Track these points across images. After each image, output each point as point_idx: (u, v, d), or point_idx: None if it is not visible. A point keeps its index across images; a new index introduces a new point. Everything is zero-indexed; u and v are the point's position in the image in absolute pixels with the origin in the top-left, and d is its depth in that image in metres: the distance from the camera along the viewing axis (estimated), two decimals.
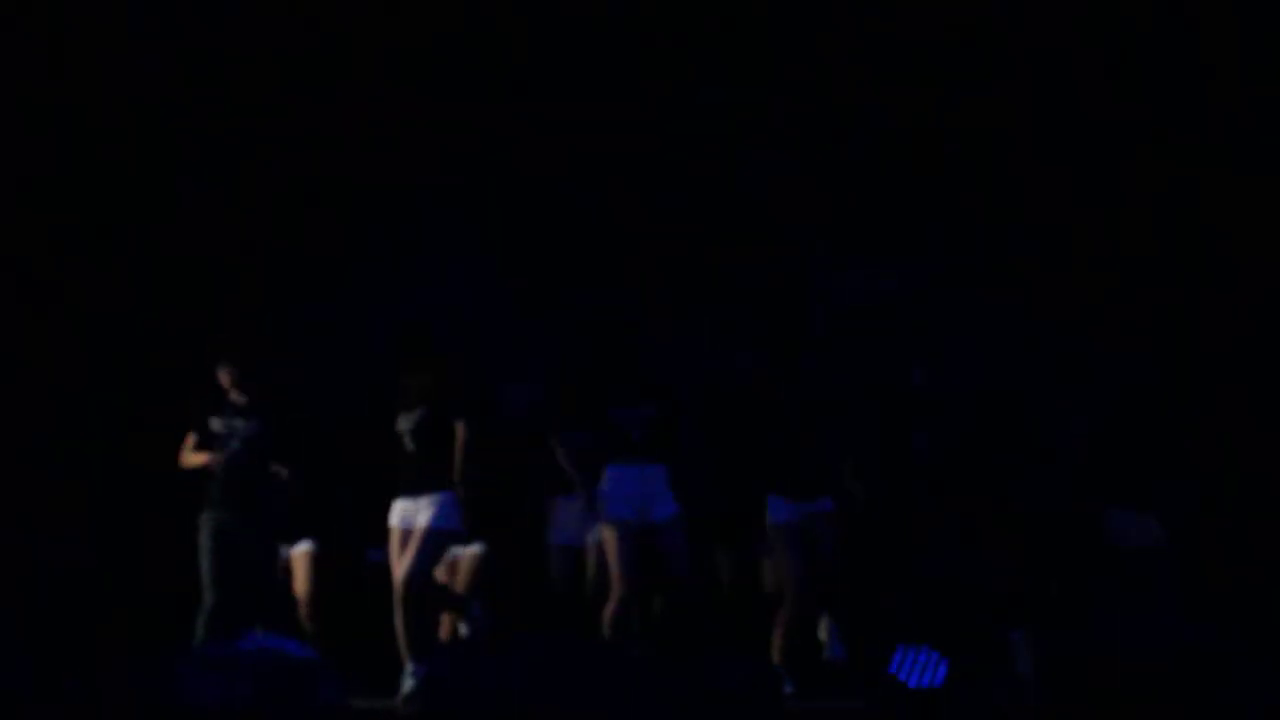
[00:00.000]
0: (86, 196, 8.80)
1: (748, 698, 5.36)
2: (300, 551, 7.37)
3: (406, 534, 6.45)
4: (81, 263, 8.76)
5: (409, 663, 6.33)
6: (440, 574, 6.82)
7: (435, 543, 6.44)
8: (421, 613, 6.41)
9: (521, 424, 7.89)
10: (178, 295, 9.23)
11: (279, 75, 9.59)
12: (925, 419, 8.39)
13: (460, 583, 7.06)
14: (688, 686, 1.39)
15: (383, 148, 9.61)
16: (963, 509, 8.16)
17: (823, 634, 7.13)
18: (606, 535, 6.73)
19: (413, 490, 6.47)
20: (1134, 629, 5.60)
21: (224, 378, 6.87)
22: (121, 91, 8.83)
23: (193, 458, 6.85)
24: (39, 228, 8.43)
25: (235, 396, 6.88)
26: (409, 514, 6.47)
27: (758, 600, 7.52)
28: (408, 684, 6.25)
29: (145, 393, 8.51)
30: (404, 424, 6.50)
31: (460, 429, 6.42)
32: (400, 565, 6.43)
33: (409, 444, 6.49)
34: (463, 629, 6.72)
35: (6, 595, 7.46)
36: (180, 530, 6.94)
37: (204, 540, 6.71)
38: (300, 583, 7.31)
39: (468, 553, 7.07)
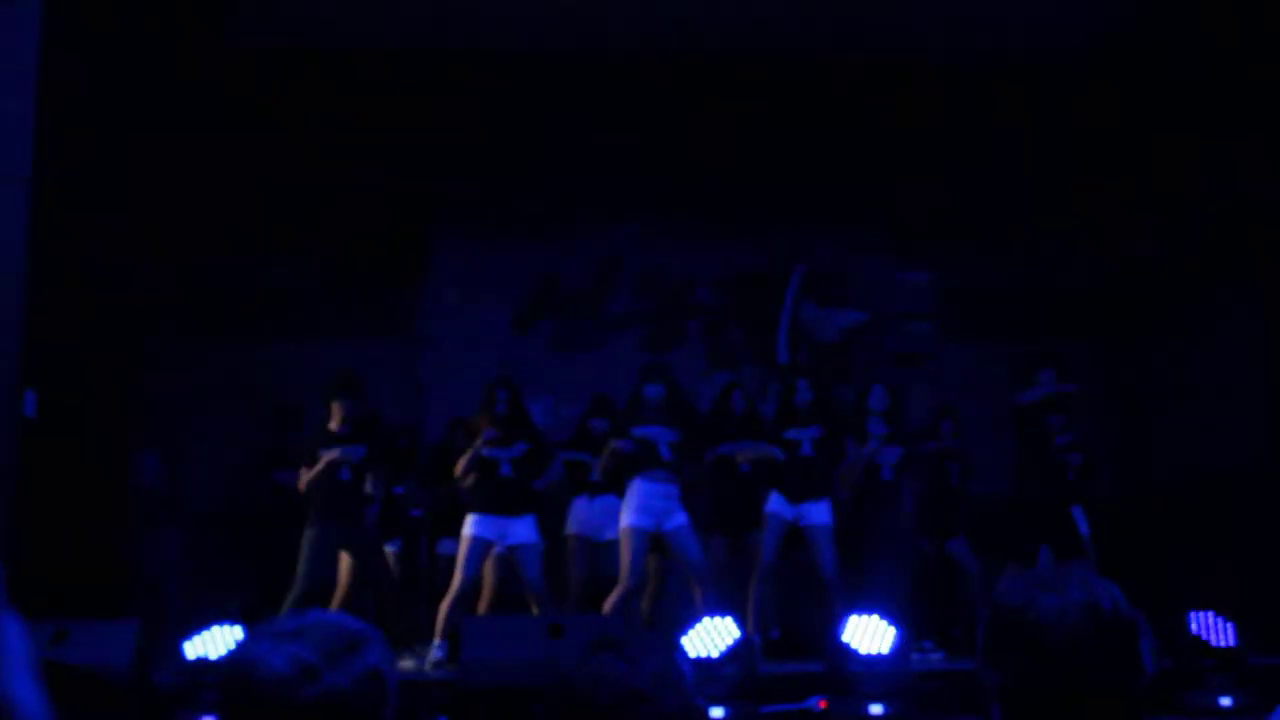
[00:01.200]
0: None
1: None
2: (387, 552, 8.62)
3: (489, 545, 7.80)
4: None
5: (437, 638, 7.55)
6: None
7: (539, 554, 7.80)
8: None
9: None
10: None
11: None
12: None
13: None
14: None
15: None
16: None
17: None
18: (624, 537, 7.71)
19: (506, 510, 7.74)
20: None
21: (336, 410, 7.89)
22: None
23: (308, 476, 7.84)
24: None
25: (339, 426, 7.87)
26: (499, 529, 7.71)
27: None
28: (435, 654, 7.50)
29: None
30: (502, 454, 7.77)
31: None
32: (492, 574, 8.16)
33: (508, 471, 7.77)
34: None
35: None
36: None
37: (307, 546, 7.66)
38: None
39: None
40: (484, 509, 7.72)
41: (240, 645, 1.95)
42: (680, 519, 7.74)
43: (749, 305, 11.44)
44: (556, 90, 10.43)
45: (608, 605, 7.63)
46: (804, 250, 11.58)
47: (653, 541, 7.77)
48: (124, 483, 8.84)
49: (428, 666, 7.48)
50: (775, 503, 8.19)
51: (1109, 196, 11.04)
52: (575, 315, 11.39)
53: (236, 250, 10.61)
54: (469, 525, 7.69)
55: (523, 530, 7.76)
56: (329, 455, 7.69)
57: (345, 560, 7.93)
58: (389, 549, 8.86)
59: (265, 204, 10.49)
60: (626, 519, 7.69)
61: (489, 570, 8.20)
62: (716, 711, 5.98)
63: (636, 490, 7.74)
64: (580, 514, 8.72)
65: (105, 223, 8.02)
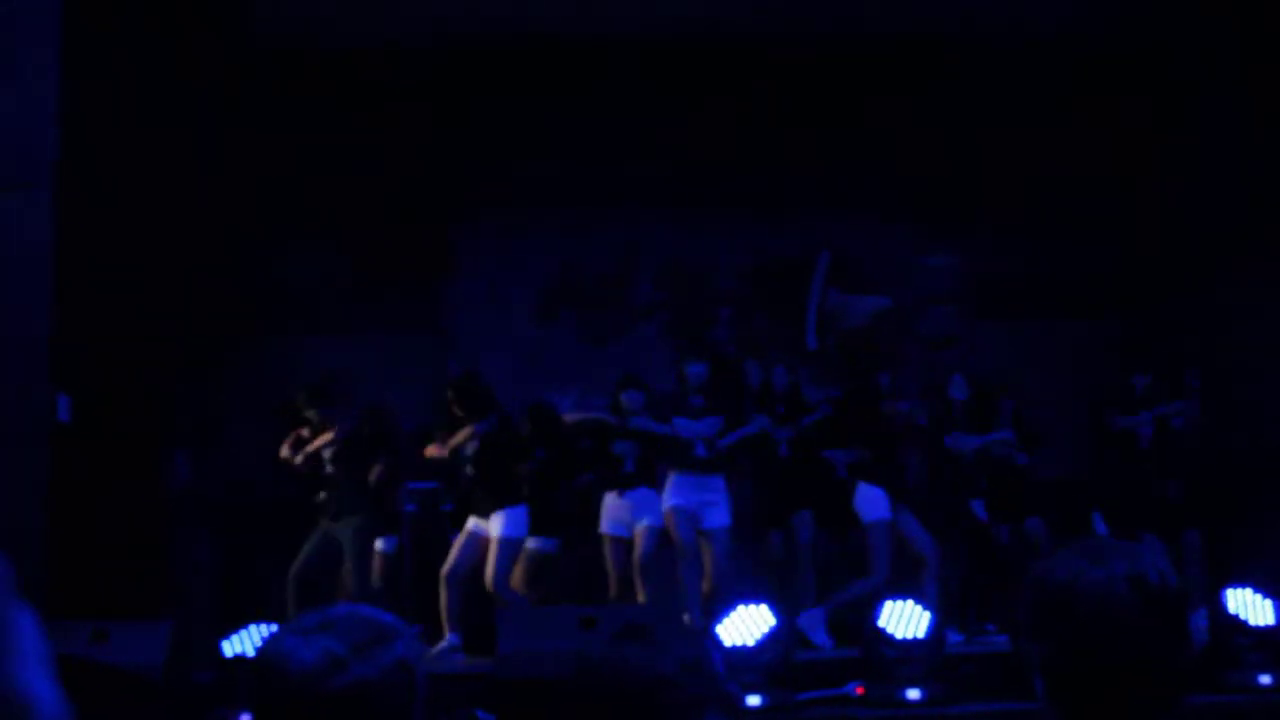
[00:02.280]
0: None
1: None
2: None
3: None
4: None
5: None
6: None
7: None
8: None
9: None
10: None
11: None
12: None
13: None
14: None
15: None
16: None
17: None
18: (668, 518, 7.85)
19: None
20: None
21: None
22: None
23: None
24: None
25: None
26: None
27: None
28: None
29: None
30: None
31: None
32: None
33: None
34: None
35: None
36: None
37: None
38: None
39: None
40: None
41: (269, 639, 1.97)
42: (720, 519, 7.89)
43: (774, 292, 11.40)
44: (577, 79, 10.44)
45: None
46: (827, 236, 11.53)
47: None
48: (156, 483, 8.87)
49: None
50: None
51: (1132, 175, 10.97)
52: (599, 305, 11.39)
53: (262, 248, 10.63)
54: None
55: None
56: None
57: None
58: (381, 547, 8.80)
59: (291, 202, 10.52)
60: (668, 501, 7.88)
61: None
62: (753, 699, 5.97)
63: (675, 483, 7.92)
64: (612, 513, 8.36)
65: (133, 223, 8.05)
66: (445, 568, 7.81)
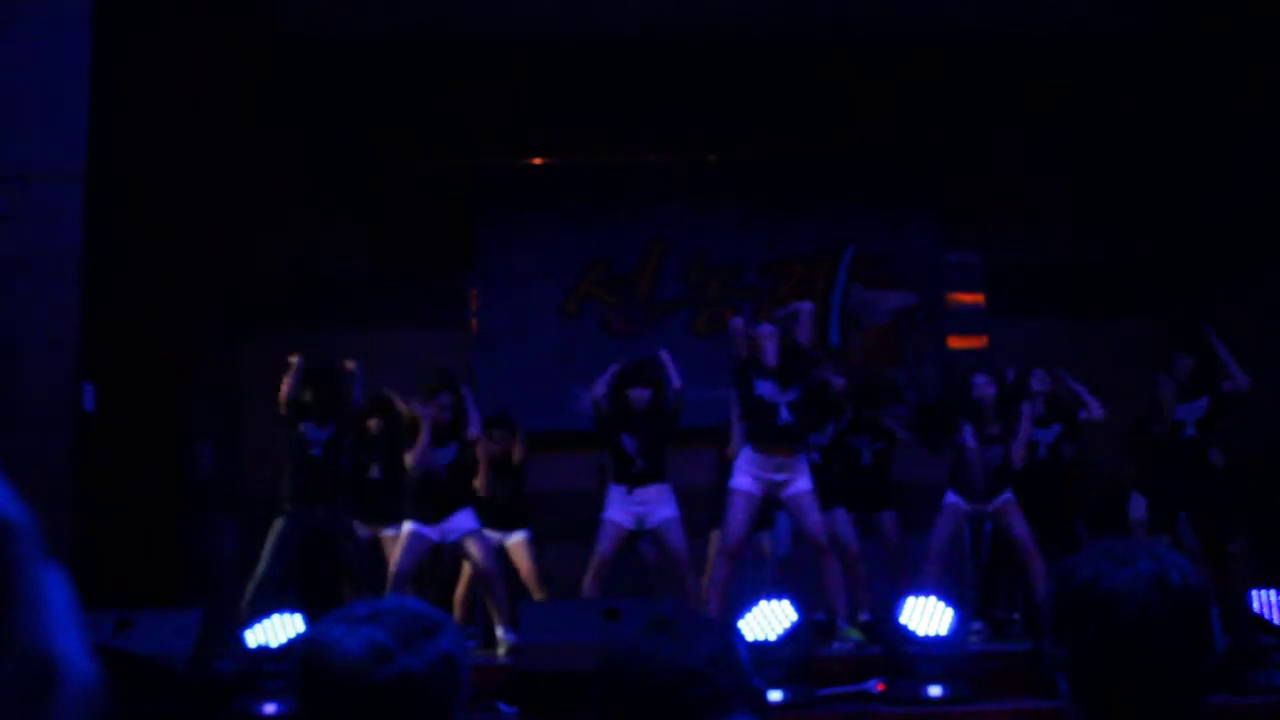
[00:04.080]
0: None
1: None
2: (389, 535, 8.43)
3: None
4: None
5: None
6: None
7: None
8: None
9: None
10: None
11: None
12: None
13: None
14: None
15: None
16: None
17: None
18: (730, 498, 7.60)
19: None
20: None
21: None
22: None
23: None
24: None
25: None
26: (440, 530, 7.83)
27: None
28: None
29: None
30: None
31: None
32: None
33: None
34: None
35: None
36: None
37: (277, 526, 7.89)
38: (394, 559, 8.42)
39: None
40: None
41: (315, 628, 1.98)
42: (802, 484, 7.55)
43: (799, 287, 11.38)
44: (601, 74, 10.44)
45: (717, 573, 7.61)
46: (850, 232, 11.52)
47: (758, 509, 7.65)
48: (181, 472, 8.92)
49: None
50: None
51: (1154, 173, 10.93)
52: (624, 298, 11.40)
53: (287, 241, 10.67)
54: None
55: (463, 522, 7.79)
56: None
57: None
58: (388, 533, 8.52)
59: (316, 194, 10.56)
60: (736, 481, 7.57)
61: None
62: (774, 694, 5.97)
63: (747, 458, 7.57)
64: (617, 503, 7.96)
65: (159, 215, 8.09)
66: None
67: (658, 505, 7.86)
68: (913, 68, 10.58)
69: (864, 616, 7.92)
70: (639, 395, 7.99)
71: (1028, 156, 10.85)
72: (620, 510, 7.91)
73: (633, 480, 7.90)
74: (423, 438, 7.72)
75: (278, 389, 8.14)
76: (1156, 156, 10.93)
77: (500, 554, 8.39)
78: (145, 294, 7.89)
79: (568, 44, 10.35)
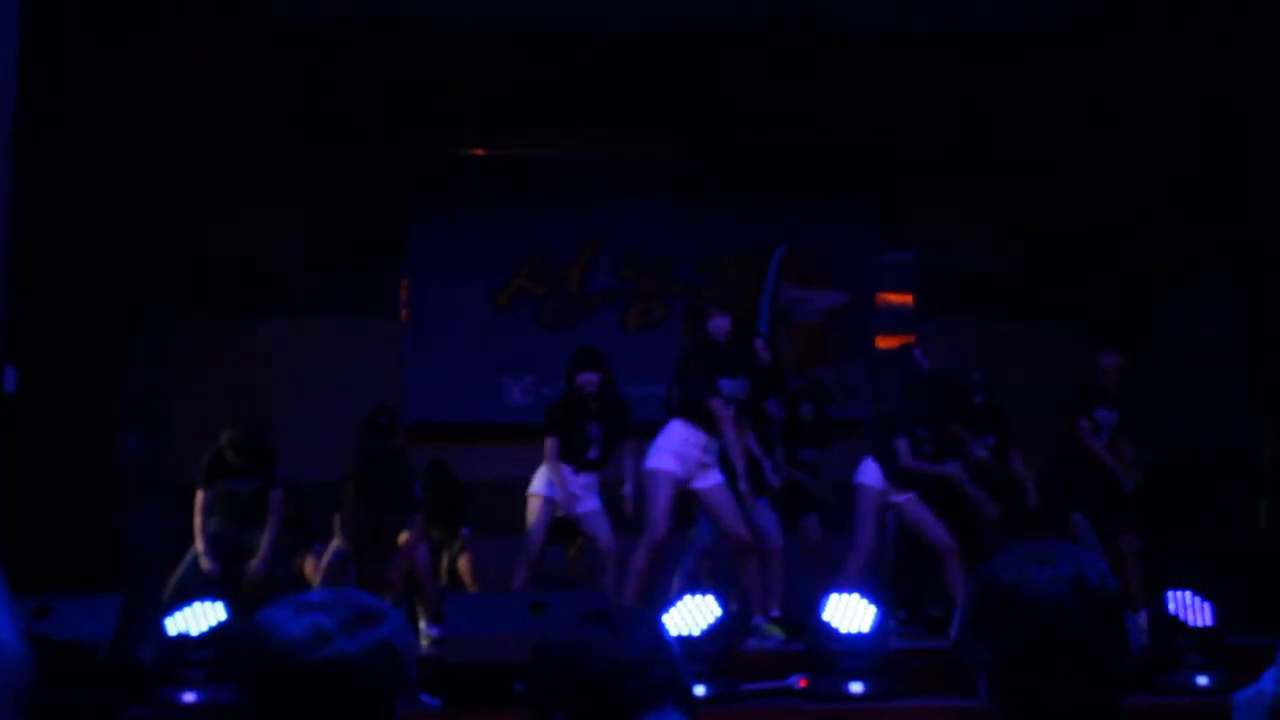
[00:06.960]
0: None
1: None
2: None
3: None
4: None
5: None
6: None
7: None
8: None
9: None
10: None
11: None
12: None
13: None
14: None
15: None
16: None
17: None
18: (650, 480, 7.40)
19: None
20: None
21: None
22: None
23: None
24: None
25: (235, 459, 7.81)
26: None
27: None
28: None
29: None
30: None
31: None
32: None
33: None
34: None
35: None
36: None
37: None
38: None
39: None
40: None
41: (263, 612, 2.02)
42: (716, 476, 7.34)
43: (730, 285, 11.41)
44: (540, 67, 10.38)
45: (638, 564, 7.34)
46: (787, 230, 11.54)
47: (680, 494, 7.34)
48: (107, 459, 8.82)
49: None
50: None
51: (1091, 177, 11.04)
52: (557, 292, 11.37)
53: (219, 227, 10.53)
54: None
55: None
56: None
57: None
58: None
59: (247, 181, 10.43)
60: (656, 462, 7.27)
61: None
62: (698, 689, 5.99)
63: (677, 434, 7.31)
64: (549, 482, 7.89)
65: (88, 198, 7.99)
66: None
67: (586, 495, 7.82)
68: (850, 64, 10.56)
69: (773, 612, 7.78)
70: (587, 379, 7.83)
71: (974, 158, 10.89)
72: (552, 489, 7.82)
73: (583, 465, 7.82)
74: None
75: (205, 375, 8.04)
76: (1093, 161, 11.01)
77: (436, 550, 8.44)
78: (73, 277, 7.79)
79: (505, 36, 10.26)
